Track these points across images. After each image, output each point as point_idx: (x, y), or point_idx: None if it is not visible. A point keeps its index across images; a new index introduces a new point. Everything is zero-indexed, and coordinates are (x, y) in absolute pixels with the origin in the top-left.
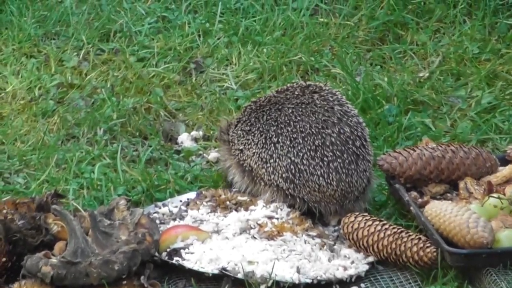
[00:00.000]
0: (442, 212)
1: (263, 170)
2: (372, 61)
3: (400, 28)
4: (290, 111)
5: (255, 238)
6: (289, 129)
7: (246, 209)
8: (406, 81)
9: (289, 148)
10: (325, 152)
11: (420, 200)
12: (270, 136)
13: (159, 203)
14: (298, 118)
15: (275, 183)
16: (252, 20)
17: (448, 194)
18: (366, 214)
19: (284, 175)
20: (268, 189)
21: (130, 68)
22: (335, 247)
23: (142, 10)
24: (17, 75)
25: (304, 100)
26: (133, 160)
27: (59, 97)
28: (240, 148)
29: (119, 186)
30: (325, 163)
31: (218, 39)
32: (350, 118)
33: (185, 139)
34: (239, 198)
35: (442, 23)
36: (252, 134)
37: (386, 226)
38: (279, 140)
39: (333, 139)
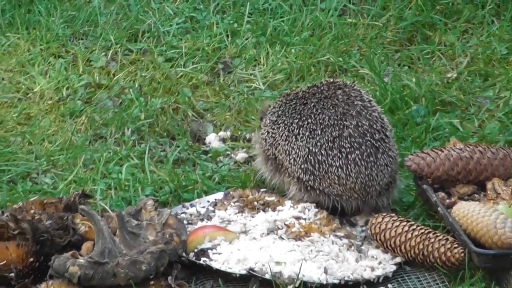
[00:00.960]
0: (470, 213)
1: (286, 162)
2: (400, 61)
3: (428, 28)
4: (313, 104)
5: (282, 238)
6: (310, 121)
7: (274, 210)
8: (434, 81)
9: (308, 139)
10: (342, 143)
11: (447, 200)
12: (293, 128)
13: (187, 204)
14: (319, 111)
15: (296, 175)
16: (280, 20)
17: (476, 195)
18: (393, 214)
19: (303, 166)
20: (291, 181)
21: (158, 68)
22: (362, 247)
23: (170, 10)
24: (45, 75)
25: (328, 94)
26: (160, 161)
27: (87, 97)
28: (265, 137)
29: (147, 187)
30: (343, 154)
31: (246, 39)
32: (371, 112)
33: (212, 140)
34: (267, 198)
35: (470, 24)
36: (278, 125)
37: (414, 227)
38: (300, 132)
39: (351, 131)
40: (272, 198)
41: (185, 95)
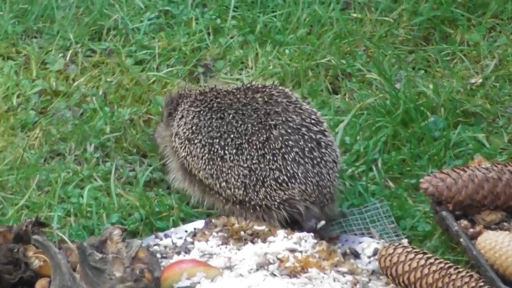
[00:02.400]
0: (498, 244)
1: (216, 187)
2: (414, 64)
3: (448, 25)
4: (231, 116)
5: (274, 275)
6: (232, 136)
7: (264, 241)
8: (455, 88)
9: (237, 158)
10: (274, 145)
11: (471, 230)
12: (215, 150)
13: (161, 234)
14: (240, 122)
15: (234, 198)
16: (271, 15)
17: (505, 223)
18: (407, 245)
19: (239, 192)
20: (228, 204)
21: (126, 72)
22: (369, 285)
23: (141, 4)
24: None
25: (246, 101)
26: (129, 182)
27: (42, 106)
28: (184, 155)
29: (113, 213)
30: (278, 157)
31: (231, 38)
32: (300, 106)
33: None
34: (256, 227)
35: (498, 19)
36: (195, 145)
37: (432, 261)
38: (225, 152)
39: (280, 129)
40: (262, 228)
41: (158, 104)
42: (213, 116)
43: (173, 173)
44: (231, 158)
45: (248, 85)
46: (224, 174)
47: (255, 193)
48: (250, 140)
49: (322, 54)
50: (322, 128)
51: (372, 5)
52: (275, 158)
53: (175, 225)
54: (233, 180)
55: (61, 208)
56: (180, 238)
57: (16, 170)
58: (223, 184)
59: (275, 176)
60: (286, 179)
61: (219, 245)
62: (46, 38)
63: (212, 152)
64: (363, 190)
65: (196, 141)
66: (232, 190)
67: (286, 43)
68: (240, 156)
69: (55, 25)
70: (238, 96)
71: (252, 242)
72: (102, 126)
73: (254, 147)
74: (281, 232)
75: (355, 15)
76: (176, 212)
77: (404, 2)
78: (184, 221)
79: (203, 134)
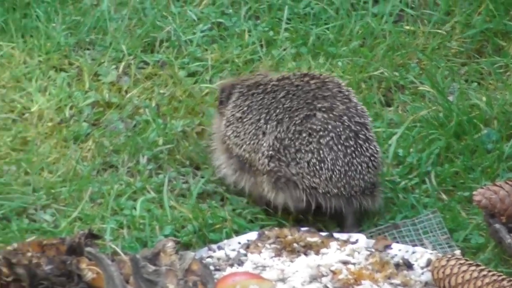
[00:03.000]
0: None
1: (255, 161)
2: (467, 77)
3: (501, 37)
4: (282, 95)
5: (328, 287)
6: (278, 111)
7: (317, 253)
8: (508, 100)
9: (274, 128)
10: (312, 125)
11: None
12: (260, 125)
13: (214, 246)
14: (288, 100)
15: (265, 169)
16: (324, 27)
17: None
18: (460, 257)
19: (269, 153)
20: (262, 180)
21: (179, 84)
22: None
23: (194, 15)
24: (44, 92)
25: (299, 84)
26: (182, 194)
27: (94, 118)
28: (229, 135)
29: (166, 225)
30: (314, 138)
31: (284, 50)
32: (348, 96)
33: None
34: (309, 239)
35: None
36: (243, 123)
37: (485, 273)
38: (267, 126)
39: (323, 113)
40: (315, 239)
41: (211, 116)
42: (265, 96)
43: (218, 158)
44: (271, 131)
45: (306, 72)
46: (263, 147)
47: (288, 167)
48: (291, 116)
49: (375, 66)
50: (365, 121)
51: (425, 18)
52: (310, 139)
53: (228, 237)
54: (269, 149)
55: (114, 220)
56: (233, 250)
57: (68, 182)
58: (260, 155)
59: (307, 156)
60: (316, 162)
61: (272, 257)
62: (98, 50)
63: (257, 128)
64: (416, 202)
65: (245, 120)
66: (266, 158)
67: (339, 55)
68: (278, 128)
69: (108, 36)
70: (293, 80)
71: (305, 254)
72: (155, 138)
73: (293, 121)
74: (334, 244)
75: (407, 27)
76: (229, 224)
77: (457, 14)
78: (237, 233)
79: (254, 113)
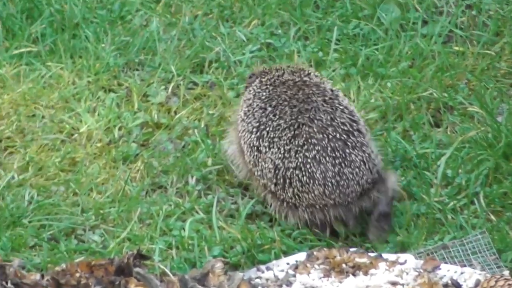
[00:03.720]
0: None
1: (256, 173)
2: None
3: None
4: (270, 109)
5: None
6: (268, 129)
7: (366, 273)
8: None
9: (268, 149)
10: (298, 142)
11: None
12: (252, 140)
13: (262, 266)
14: (277, 117)
15: (268, 188)
16: (373, 48)
17: None
18: (509, 277)
19: (270, 179)
20: (264, 192)
21: (228, 104)
22: None
23: (243, 36)
24: (93, 113)
25: (290, 94)
26: (231, 215)
27: (143, 139)
28: (240, 130)
29: (215, 246)
30: (300, 154)
31: (333, 71)
32: (335, 106)
33: None
34: (357, 260)
35: None
36: (247, 127)
37: None
38: (260, 143)
39: (306, 128)
40: (363, 260)
41: None
42: (260, 104)
43: (229, 144)
44: (265, 151)
45: (302, 79)
46: (260, 165)
47: (284, 190)
48: (280, 136)
49: (424, 87)
50: (354, 127)
51: (474, 38)
52: (297, 155)
53: (277, 257)
54: (267, 171)
55: (162, 241)
56: (282, 270)
57: (117, 202)
58: (259, 172)
59: (298, 174)
60: (307, 179)
61: (320, 278)
62: (148, 71)
63: (252, 140)
64: (465, 223)
65: (246, 122)
66: (266, 180)
67: (388, 76)
68: (271, 150)
69: (157, 57)
70: (285, 89)
71: (354, 274)
72: (204, 158)
73: (283, 142)
74: (382, 265)
75: (457, 48)
76: (278, 244)
77: (506, 35)
78: (286, 253)
79: (250, 119)
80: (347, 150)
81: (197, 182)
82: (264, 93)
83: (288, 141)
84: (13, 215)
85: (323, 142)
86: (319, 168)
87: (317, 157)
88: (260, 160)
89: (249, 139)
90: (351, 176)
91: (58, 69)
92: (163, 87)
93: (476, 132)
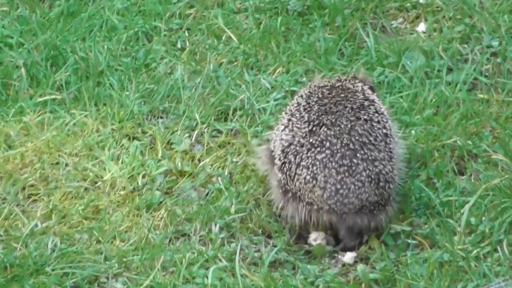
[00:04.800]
0: None
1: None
2: None
3: None
4: (304, 104)
5: None
6: (294, 120)
7: None
8: None
9: (286, 138)
10: (313, 140)
11: None
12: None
13: None
14: (306, 111)
15: (277, 176)
16: (398, 96)
17: None
18: None
19: (279, 161)
20: (275, 186)
21: (251, 152)
22: None
23: (267, 83)
24: (117, 161)
25: (322, 95)
26: (254, 263)
27: (167, 187)
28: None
29: None
30: (313, 153)
31: None
32: (361, 117)
33: (318, 238)
34: None
35: None
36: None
37: None
38: (282, 133)
39: (326, 129)
40: None
41: None
42: (299, 100)
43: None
44: (281, 136)
45: (342, 84)
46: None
47: (292, 181)
48: (300, 127)
49: (448, 134)
50: (370, 141)
51: (498, 86)
52: (308, 154)
53: None
54: (279, 146)
55: None
56: None
57: (141, 250)
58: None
59: (304, 172)
60: (310, 178)
61: None
62: (172, 118)
63: (279, 130)
64: (488, 271)
65: (285, 116)
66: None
67: (412, 123)
68: (290, 140)
69: (181, 105)
70: (324, 90)
71: None
72: (227, 206)
73: (300, 135)
74: None
75: (481, 95)
76: None
77: None
78: None
79: (287, 114)
80: (355, 161)
81: (221, 230)
82: (307, 92)
83: (304, 134)
84: (36, 263)
85: (335, 147)
86: (323, 171)
87: (325, 160)
88: (277, 149)
89: (279, 130)
90: (352, 187)
91: (82, 117)
92: (187, 134)
93: (500, 179)
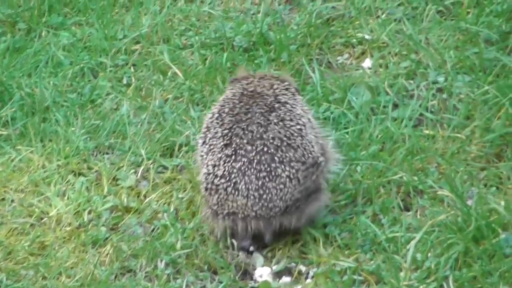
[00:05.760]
0: None
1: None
2: (486, 181)
3: None
4: (217, 115)
5: None
6: (209, 136)
7: None
8: None
9: (206, 154)
10: (228, 151)
11: None
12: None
13: None
14: (219, 124)
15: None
16: (344, 131)
17: None
18: None
19: (203, 185)
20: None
21: (197, 188)
22: None
23: None
24: (62, 197)
25: (234, 105)
26: None
27: (113, 223)
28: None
29: None
30: (229, 162)
31: None
32: (276, 121)
33: (263, 274)
34: None
35: None
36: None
37: None
38: (204, 142)
39: (240, 137)
40: None
41: None
42: (213, 110)
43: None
44: (205, 156)
45: (255, 89)
46: (202, 169)
47: (211, 196)
48: (215, 143)
49: (394, 170)
50: (286, 143)
51: (444, 122)
52: (225, 165)
53: None
54: (203, 176)
55: None
56: None
57: (86, 286)
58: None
59: (223, 183)
60: (231, 189)
61: None
62: (117, 154)
63: (199, 146)
64: None
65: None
66: (202, 182)
67: (358, 159)
68: (209, 156)
69: (127, 141)
70: (238, 99)
71: None
72: (173, 242)
73: (216, 149)
74: None
75: (427, 131)
76: None
77: (476, 119)
78: None
79: (204, 123)
80: (273, 165)
81: (166, 266)
82: (223, 100)
83: (220, 149)
84: None
85: (251, 154)
86: (243, 179)
87: (243, 168)
88: (203, 164)
89: (199, 144)
90: (274, 191)
91: (28, 153)
92: (133, 170)
93: (446, 215)
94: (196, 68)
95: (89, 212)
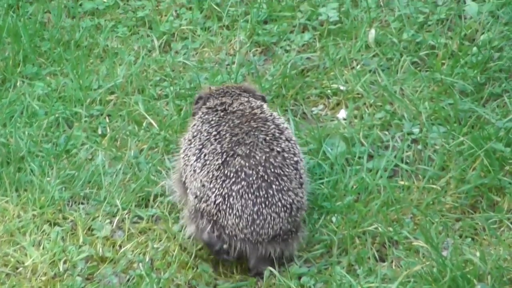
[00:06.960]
0: None
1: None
2: (461, 232)
3: (495, 193)
4: (214, 133)
5: None
6: (205, 151)
7: None
8: (502, 256)
9: (200, 170)
10: (227, 171)
11: None
12: (192, 162)
13: None
14: (217, 140)
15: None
16: (319, 183)
17: None
18: None
19: (195, 198)
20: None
21: (172, 239)
22: None
23: None
24: (38, 246)
25: (233, 124)
26: None
27: (88, 272)
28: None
29: None
30: (228, 184)
31: None
32: (273, 148)
33: None
34: None
35: None
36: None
37: None
38: (196, 165)
39: (240, 160)
40: None
41: (205, 272)
42: (208, 129)
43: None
44: (199, 171)
45: (253, 111)
46: (191, 179)
47: (201, 204)
48: (211, 159)
49: (369, 221)
50: (285, 172)
51: (419, 173)
52: (223, 184)
53: None
54: (192, 187)
55: None
56: None
57: None
58: (189, 185)
59: (220, 201)
60: (225, 208)
61: None
62: (93, 204)
63: (190, 162)
64: None
65: (193, 144)
66: (191, 195)
67: (333, 210)
68: (203, 171)
69: (102, 191)
70: (237, 119)
71: None
72: None
73: (213, 166)
74: None
75: (402, 182)
76: None
77: (451, 170)
78: None
79: (196, 142)
80: (271, 191)
81: None
82: (214, 119)
83: (218, 166)
84: None
85: (251, 178)
86: (239, 202)
87: (241, 191)
88: (194, 179)
89: (190, 160)
90: (268, 217)
91: (3, 202)
92: (108, 221)
93: (421, 266)
94: (171, 118)
95: (65, 262)
